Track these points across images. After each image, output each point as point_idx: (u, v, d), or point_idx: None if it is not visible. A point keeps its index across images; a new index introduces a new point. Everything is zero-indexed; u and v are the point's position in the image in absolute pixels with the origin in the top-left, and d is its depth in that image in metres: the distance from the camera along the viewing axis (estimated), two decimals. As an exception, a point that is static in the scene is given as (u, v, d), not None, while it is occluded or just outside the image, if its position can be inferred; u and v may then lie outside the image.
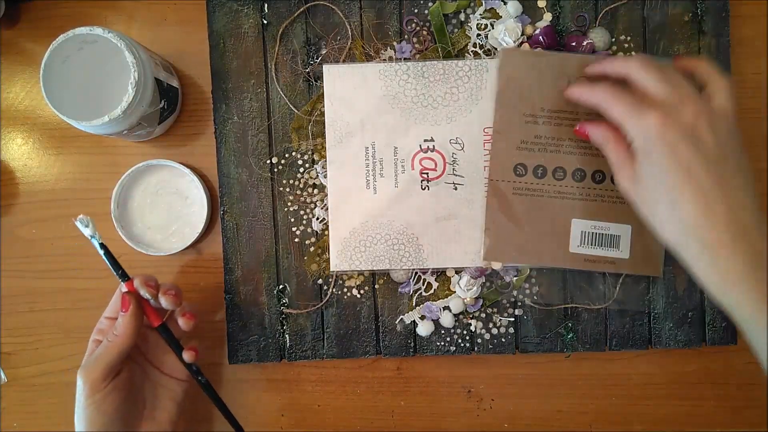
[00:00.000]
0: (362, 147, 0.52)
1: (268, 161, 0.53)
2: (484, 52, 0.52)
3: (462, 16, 0.52)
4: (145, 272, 0.55)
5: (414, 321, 0.53)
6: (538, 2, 0.52)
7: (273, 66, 0.53)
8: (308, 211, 0.53)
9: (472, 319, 0.53)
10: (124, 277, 0.46)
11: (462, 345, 0.53)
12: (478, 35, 0.52)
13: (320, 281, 0.53)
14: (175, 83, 0.52)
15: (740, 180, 0.37)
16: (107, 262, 0.46)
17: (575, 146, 0.50)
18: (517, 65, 0.50)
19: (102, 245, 0.46)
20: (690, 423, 0.55)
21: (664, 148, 0.37)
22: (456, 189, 0.52)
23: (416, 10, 0.52)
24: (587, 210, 0.51)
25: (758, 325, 0.35)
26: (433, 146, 0.52)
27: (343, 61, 0.52)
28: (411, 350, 0.53)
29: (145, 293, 0.45)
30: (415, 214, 0.52)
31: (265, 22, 0.53)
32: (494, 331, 0.53)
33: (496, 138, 0.51)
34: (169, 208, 0.54)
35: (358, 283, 0.53)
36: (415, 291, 0.53)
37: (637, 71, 0.41)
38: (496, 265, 0.52)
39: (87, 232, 0.45)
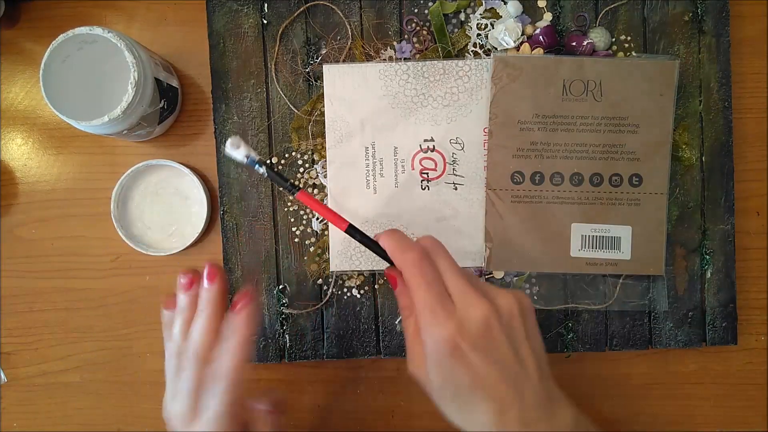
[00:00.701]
0: (362, 147, 0.52)
1: (268, 161, 0.53)
2: (484, 52, 0.52)
3: (462, 16, 0.52)
4: (145, 272, 0.55)
5: (414, 321, 0.53)
6: (538, 2, 0.52)
7: (273, 66, 0.53)
8: (308, 211, 0.53)
9: (472, 319, 0.53)
10: (294, 188, 0.42)
11: (462, 345, 0.53)
12: (478, 35, 0.52)
13: (320, 281, 0.53)
14: (175, 83, 0.52)
15: (534, 377, 0.38)
16: (273, 179, 0.41)
17: (571, 150, 0.50)
18: (510, 71, 0.50)
19: (261, 162, 0.40)
20: (690, 423, 0.55)
21: (454, 361, 0.37)
22: (456, 189, 0.52)
23: (416, 10, 0.52)
24: (586, 213, 0.51)
25: None
26: (433, 146, 0.52)
27: (343, 61, 0.52)
28: (411, 350, 0.53)
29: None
30: (415, 214, 0.52)
31: (265, 22, 0.53)
32: (494, 331, 0.53)
33: (492, 147, 0.51)
34: (169, 208, 0.54)
35: (358, 283, 0.53)
36: (415, 291, 0.53)
37: (411, 278, 0.38)
38: (498, 274, 0.52)
39: (241, 153, 0.39)
